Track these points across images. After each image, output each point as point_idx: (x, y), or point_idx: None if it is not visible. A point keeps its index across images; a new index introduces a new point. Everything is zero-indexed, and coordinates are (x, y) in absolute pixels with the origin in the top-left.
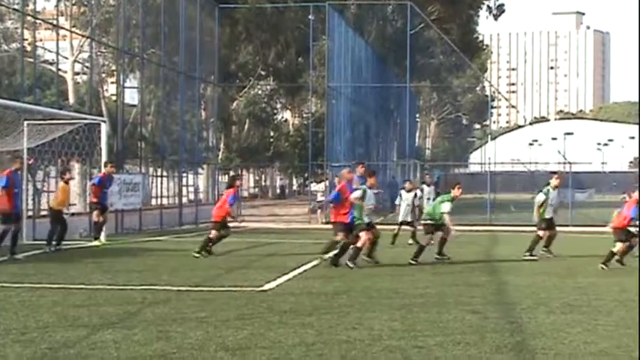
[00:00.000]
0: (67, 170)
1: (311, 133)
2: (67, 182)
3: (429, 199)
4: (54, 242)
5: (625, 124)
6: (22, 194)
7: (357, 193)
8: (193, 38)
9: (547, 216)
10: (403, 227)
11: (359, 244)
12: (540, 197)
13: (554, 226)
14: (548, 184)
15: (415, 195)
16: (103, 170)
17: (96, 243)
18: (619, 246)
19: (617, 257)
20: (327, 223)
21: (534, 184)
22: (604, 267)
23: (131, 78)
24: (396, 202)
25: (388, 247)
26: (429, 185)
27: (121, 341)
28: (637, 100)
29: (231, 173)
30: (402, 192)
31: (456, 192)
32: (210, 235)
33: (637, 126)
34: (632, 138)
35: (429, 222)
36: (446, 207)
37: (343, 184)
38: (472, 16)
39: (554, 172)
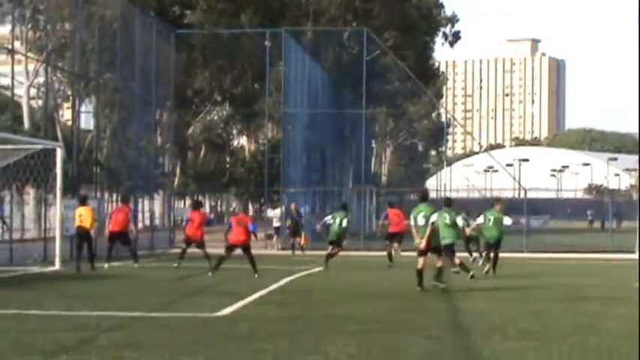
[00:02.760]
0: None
1: (267, 159)
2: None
3: None
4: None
5: (579, 150)
6: None
7: None
8: (149, 63)
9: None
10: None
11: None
12: (479, 219)
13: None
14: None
15: None
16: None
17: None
18: None
19: None
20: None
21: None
22: None
23: (87, 103)
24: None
25: (346, 273)
26: None
27: None
28: (592, 127)
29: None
30: None
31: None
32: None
33: (591, 153)
34: (587, 165)
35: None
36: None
37: None
38: (428, 43)
39: (498, 198)
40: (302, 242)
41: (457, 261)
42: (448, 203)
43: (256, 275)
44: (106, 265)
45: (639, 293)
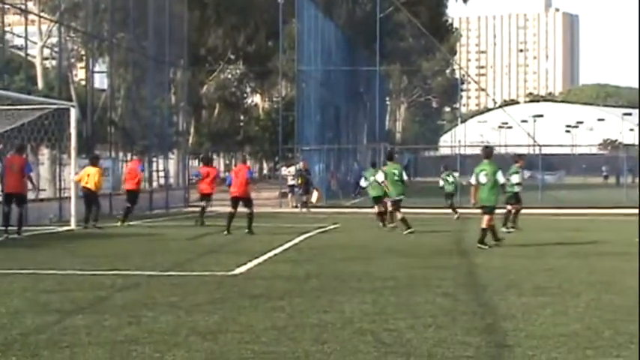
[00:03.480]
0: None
1: (281, 117)
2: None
3: None
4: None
5: (594, 106)
6: None
7: None
8: (162, 22)
9: (516, 190)
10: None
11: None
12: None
13: (520, 201)
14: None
15: None
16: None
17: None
18: None
19: None
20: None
21: (504, 167)
22: None
23: (100, 62)
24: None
25: (361, 230)
26: None
27: (92, 326)
28: (607, 82)
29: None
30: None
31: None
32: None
33: (605, 108)
34: (601, 120)
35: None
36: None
37: None
38: None
39: (519, 155)
40: (313, 200)
41: (399, 216)
42: (390, 158)
43: (246, 231)
44: (118, 224)
45: (639, 248)
